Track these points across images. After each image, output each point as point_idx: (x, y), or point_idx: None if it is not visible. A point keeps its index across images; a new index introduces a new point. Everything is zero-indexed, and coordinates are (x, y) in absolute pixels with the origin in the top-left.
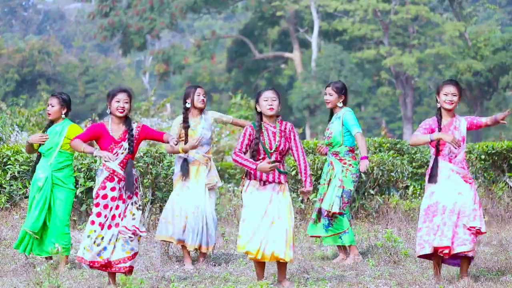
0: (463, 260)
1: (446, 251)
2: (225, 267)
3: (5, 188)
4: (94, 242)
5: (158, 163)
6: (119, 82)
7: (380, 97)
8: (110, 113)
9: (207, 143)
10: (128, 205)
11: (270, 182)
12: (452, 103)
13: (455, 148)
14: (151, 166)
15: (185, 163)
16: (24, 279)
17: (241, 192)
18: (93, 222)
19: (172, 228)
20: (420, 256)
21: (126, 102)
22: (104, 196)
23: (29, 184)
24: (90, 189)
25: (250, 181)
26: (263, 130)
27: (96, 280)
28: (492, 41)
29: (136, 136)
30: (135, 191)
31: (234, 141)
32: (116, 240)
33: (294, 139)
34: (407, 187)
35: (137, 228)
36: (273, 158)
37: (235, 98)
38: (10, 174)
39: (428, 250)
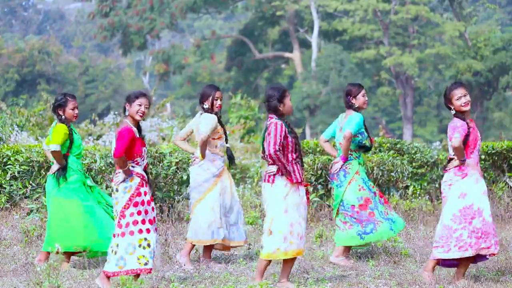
0: (465, 263)
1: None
2: (225, 267)
3: (5, 188)
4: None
5: (158, 163)
6: (119, 82)
7: (380, 97)
8: (128, 115)
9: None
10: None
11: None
12: (469, 104)
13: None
14: (151, 166)
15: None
16: (24, 279)
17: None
18: (141, 231)
19: (223, 230)
20: (444, 262)
21: (147, 107)
22: (142, 202)
23: (29, 184)
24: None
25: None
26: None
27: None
28: (492, 41)
29: None
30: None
31: (234, 141)
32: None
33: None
34: (407, 187)
35: None
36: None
37: (235, 98)
38: (10, 174)
39: (471, 253)
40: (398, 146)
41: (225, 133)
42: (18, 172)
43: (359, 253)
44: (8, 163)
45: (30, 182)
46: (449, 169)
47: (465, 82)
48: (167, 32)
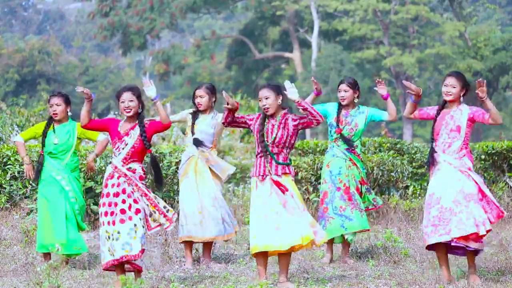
0: (467, 254)
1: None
2: (225, 267)
3: (5, 188)
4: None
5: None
6: (119, 82)
7: (380, 97)
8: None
9: (209, 140)
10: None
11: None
12: (450, 94)
13: (413, 95)
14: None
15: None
16: (24, 279)
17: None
18: (103, 223)
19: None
20: (428, 248)
21: (131, 101)
22: (108, 195)
23: (29, 184)
24: (90, 189)
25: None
26: (265, 123)
27: (96, 280)
28: (492, 41)
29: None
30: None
31: (234, 141)
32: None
33: (294, 120)
34: (407, 187)
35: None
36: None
37: (235, 98)
38: (10, 174)
39: (429, 242)
40: (398, 146)
41: (192, 132)
42: (18, 172)
43: (359, 253)
44: (8, 163)
45: (30, 182)
46: None
47: None
48: (167, 32)
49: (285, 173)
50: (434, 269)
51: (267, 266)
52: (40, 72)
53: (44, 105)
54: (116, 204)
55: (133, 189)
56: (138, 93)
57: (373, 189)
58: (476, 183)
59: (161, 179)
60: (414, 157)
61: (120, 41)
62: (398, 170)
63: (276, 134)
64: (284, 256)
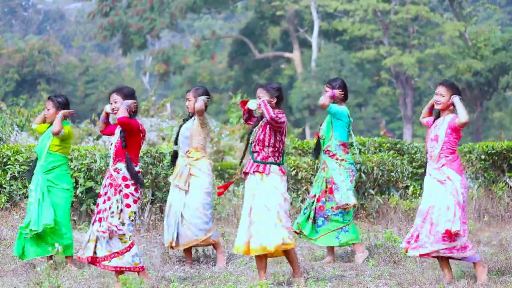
0: (441, 260)
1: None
2: (225, 267)
3: (5, 188)
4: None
5: (158, 163)
6: (119, 82)
7: (380, 97)
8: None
9: (186, 143)
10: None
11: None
12: (439, 104)
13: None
14: (151, 166)
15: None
16: (24, 279)
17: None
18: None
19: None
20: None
21: (116, 102)
22: (99, 194)
23: (29, 184)
24: (90, 189)
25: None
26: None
27: (96, 280)
28: (492, 41)
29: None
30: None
31: (234, 141)
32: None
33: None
34: (407, 187)
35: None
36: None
37: (235, 98)
38: (10, 174)
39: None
40: (398, 146)
41: (176, 138)
42: (18, 172)
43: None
44: (8, 163)
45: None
46: None
47: (465, 82)
48: (167, 32)
49: (259, 171)
50: (434, 269)
51: (266, 266)
52: (40, 72)
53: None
54: (97, 205)
55: (115, 191)
56: (124, 94)
57: (373, 189)
58: (454, 195)
59: (137, 180)
60: (414, 157)
61: (120, 41)
62: (398, 170)
63: (257, 133)
64: (258, 258)
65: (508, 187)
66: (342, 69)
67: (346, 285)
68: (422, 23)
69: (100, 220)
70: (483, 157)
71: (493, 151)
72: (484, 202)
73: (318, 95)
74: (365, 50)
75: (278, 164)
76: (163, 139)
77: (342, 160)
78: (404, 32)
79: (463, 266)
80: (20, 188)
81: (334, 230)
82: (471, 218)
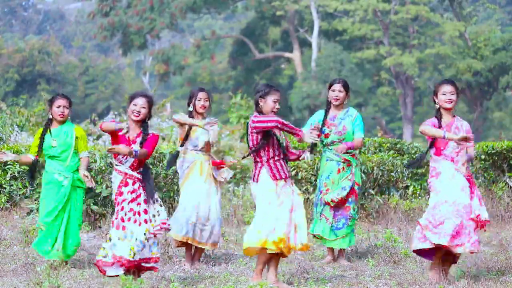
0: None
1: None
2: (225, 267)
3: (5, 188)
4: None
5: (158, 163)
6: (119, 82)
7: (380, 97)
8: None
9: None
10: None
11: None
12: (452, 102)
13: (461, 144)
14: (151, 166)
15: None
16: (24, 279)
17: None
18: (118, 227)
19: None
20: (417, 252)
21: (144, 107)
22: (123, 201)
23: (29, 184)
24: (90, 189)
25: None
26: None
27: (96, 280)
28: (492, 41)
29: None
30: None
31: (234, 141)
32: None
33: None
34: (407, 187)
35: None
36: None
37: (235, 98)
38: (10, 174)
39: (429, 245)
40: (398, 146)
41: (186, 136)
42: (18, 172)
43: (359, 253)
44: (8, 163)
45: (30, 182)
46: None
47: (465, 82)
48: (167, 32)
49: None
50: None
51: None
52: (40, 72)
53: (44, 105)
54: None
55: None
56: (151, 103)
57: (373, 189)
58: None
59: (151, 192)
60: (414, 157)
61: (120, 41)
62: (398, 170)
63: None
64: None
65: (508, 187)
66: (342, 69)
67: (346, 285)
68: (422, 23)
69: (145, 221)
70: (483, 157)
71: (493, 151)
72: (484, 202)
73: (318, 95)
74: (365, 50)
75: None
76: (163, 139)
77: (357, 159)
78: (404, 32)
79: (463, 266)
80: (20, 188)
81: (351, 232)
82: None
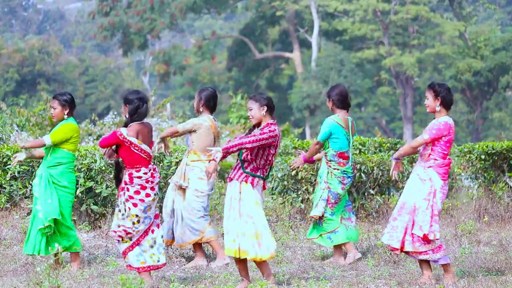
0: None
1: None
2: (225, 267)
3: (5, 188)
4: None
5: (158, 163)
6: (119, 82)
7: (380, 97)
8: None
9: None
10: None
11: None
12: (427, 107)
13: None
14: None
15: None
16: (24, 279)
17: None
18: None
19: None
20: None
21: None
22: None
23: (29, 184)
24: (90, 189)
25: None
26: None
27: (96, 280)
28: (492, 41)
29: None
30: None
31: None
32: None
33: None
34: None
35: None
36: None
37: (235, 98)
38: (10, 174)
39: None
40: (398, 146)
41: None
42: (18, 172)
43: (359, 253)
44: (8, 163)
45: (30, 182)
46: None
47: (465, 82)
48: (167, 32)
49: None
50: (434, 269)
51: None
52: (40, 72)
53: (44, 105)
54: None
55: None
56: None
57: (373, 189)
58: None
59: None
60: (414, 157)
61: (120, 41)
62: None
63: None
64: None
65: (508, 187)
66: (342, 69)
67: (346, 285)
68: (422, 23)
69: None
70: (483, 157)
71: (493, 151)
72: (484, 202)
73: (318, 95)
74: (365, 50)
75: (264, 179)
76: None
77: (335, 169)
78: (404, 32)
79: (463, 266)
80: (20, 188)
81: (327, 233)
82: (471, 218)
